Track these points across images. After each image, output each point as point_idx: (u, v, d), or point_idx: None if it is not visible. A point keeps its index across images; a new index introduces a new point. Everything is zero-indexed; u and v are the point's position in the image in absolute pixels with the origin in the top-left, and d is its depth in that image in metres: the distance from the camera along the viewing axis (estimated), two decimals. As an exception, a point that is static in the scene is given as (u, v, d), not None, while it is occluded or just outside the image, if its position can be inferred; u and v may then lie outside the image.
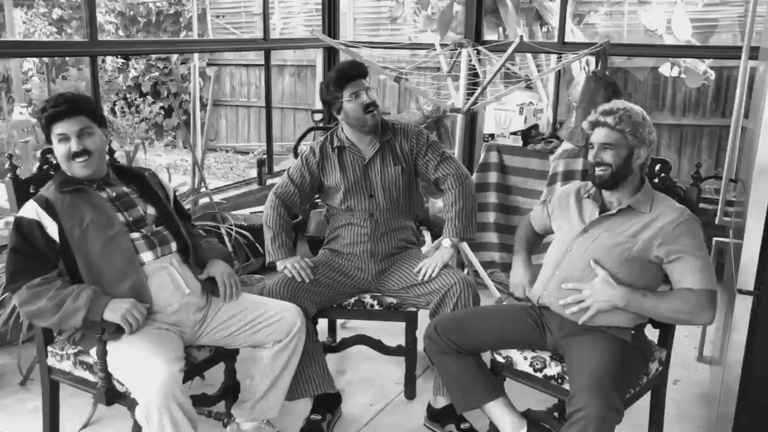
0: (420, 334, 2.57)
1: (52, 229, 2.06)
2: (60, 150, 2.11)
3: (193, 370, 2.24)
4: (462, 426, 2.49)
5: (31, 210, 2.07)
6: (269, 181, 4.66)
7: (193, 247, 2.30)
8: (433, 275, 2.54)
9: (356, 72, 2.57)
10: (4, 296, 2.73)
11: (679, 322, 2.13)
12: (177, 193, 2.54)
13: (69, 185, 2.12)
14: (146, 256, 2.14)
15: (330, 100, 2.58)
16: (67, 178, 2.14)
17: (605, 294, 2.06)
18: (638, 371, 2.12)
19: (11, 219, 2.16)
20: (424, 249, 3.34)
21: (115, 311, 2.01)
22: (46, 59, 6.97)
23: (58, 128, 2.09)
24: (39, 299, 2.01)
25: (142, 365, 1.97)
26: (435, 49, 3.76)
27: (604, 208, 2.17)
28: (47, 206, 2.07)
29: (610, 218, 2.14)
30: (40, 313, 2.02)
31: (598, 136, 2.10)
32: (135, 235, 2.15)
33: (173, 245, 2.22)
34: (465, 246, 3.43)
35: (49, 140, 2.14)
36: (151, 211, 2.23)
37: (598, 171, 2.11)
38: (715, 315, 2.03)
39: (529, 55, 5.72)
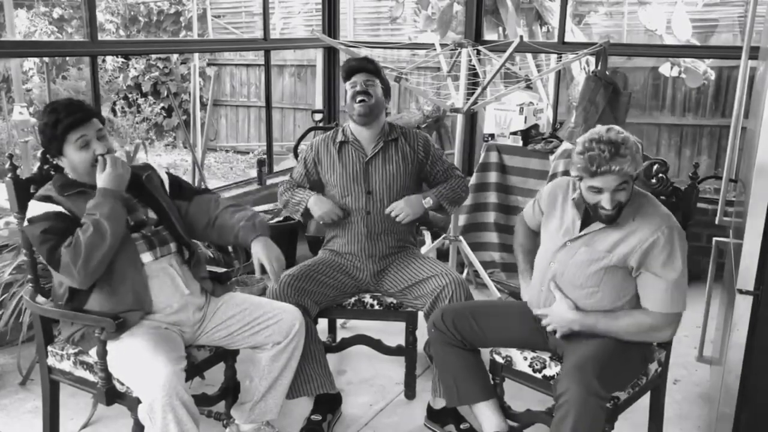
0: (420, 334, 2.58)
1: (65, 211, 2.04)
2: (82, 157, 2.07)
3: (193, 370, 2.23)
4: (461, 426, 2.49)
5: (38, 208, 2.05)
6: (269, 181, 4.66)
7: (218, 220, 2.29)
8: (402, 222, 2.59)
9: (360, 65, 2.63)
10: (3, 297, 2.73)
11: (639, 340, 2.09)
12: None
13: (71, 188, 2.10)
14: (146, 257, 2.14)
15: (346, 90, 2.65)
16: (67, 181, 2.11)
17: (561, 320, 2.11)
18: (635, 369, 2.12)
19: (11, 219, 2.15)
20: (423, 249, 3.35)
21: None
22: (46, 59, 6.97)
23: (77, 133, 2.05)
24: (78, 245, 1.97)
25: (145, 364, 1.97)
26: (435, 49, 3.76)
27: (587, 215, 2.12)
28: (51, 201, 2.05)
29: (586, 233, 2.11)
30: (91, 246, 1.97)
31: (607, 183, 1.95)
32: (135, 235, 2.14)
33: (172, 246, 2.22)
34: (465, 246, 3.44)
35: (58, 153, 2.08)
36: (151, 215, 2.22)
37: (608, 211, 2.00)
38: (675, 332, 2.07)
39: (529, 55, 5.72)
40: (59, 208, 2.04)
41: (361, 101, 2.58)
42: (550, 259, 2.18)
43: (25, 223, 2.08)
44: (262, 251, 2.22)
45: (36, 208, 2.06)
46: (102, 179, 2.05)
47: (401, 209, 2.61)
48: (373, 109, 2.60)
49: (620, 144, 1.93)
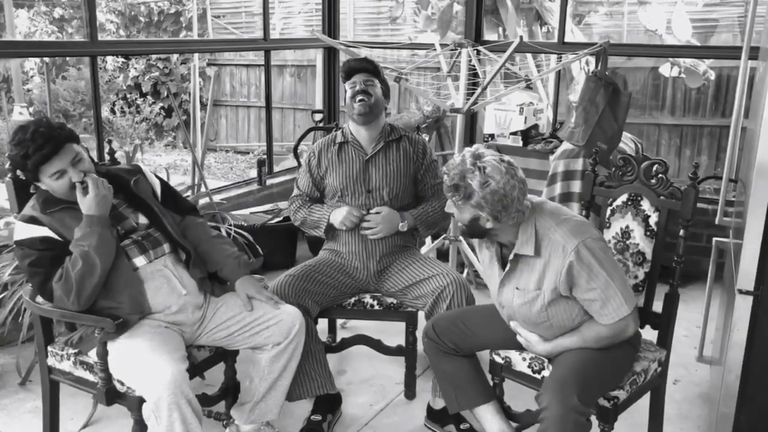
0: (420, 333, 2.58)
1: (52, 234, 2.04)
2: (59, 185, 2.03)
3: (193, 370, 2.23)
4: (461, 426, 2.49)
5: (24, 231, 2.04)
6: (269, 182, 4.66)
7: (201, 246, 2.30)
8: (374, 236, 2.58)
9: (359, 65, 2.64)
10: (3, 296, 2.73)
11: (610, 344, 2.05)
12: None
13: (53, 205, 2.07)
14: (139, 260, 2.13)
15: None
16: (49, 197, 2.08)
17: (537, 352, 2.13)
18: (622, 367, 2.10)
19: (11, 219, 2.15)
20: (423, 249, 3.35)
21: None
22: (46, 59, 6.98)
23: (51, 168, 2.00)
24: (68, 278, 1.98)
25: (149, 363, 1.97)
26: (435, 49, 3.77)
27: (501, 253, 2.14)
28: (36, 222, 2.04)
29: (511, 274, 2.09)
30: (82, 279, 1.98)
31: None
32: (126, 242, 2.13)
33: (166, 247, 2.20)
34: (465, 246, 3.44)
35: (34, 180, 2.06)
36: (142, 220, 2.20)
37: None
38: (637, 324, 2.06)
39: (529, 55, 5.72)
40: (45, 232, 2.03)
41: (360, 101, 2.58)
42: (498, 302, 2.19)
43: (12, 243, 2.07)
44: (250, 288, 2.30)
45: (22, 230, 2.05)
46: (86, 205, 2.01)
47: (376, 224, 2.60)
48: (373, 108, 2.60)
49: (465, 181, 1.98)
